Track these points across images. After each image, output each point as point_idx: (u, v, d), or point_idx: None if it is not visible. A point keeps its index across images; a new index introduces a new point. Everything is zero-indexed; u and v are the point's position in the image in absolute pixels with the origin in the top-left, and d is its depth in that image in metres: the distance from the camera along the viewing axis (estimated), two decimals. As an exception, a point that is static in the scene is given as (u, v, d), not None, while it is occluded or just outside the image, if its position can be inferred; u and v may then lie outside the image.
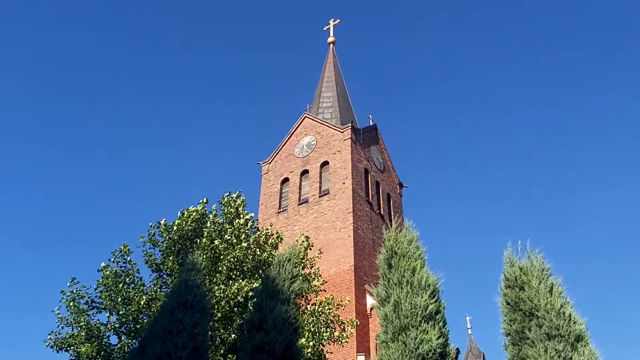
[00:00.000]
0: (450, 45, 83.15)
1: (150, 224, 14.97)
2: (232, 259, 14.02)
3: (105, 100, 74.65)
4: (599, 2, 78.83)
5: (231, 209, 15.39)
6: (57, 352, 13.52)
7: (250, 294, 13.33)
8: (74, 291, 13.90)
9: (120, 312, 13.57)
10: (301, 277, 10.29)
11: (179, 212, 15.08)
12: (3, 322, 62.27)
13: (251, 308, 11.10)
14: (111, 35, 77.29)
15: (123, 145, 76.55)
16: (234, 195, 15.88)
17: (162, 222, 14.95)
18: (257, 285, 13.30)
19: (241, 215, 15.39)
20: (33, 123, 72.75)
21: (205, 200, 15.57)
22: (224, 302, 13.33)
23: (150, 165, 78.74)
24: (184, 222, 14.70)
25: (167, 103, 78.88)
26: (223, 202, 15.70)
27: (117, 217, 73.29)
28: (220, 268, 13.97)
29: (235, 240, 14.40)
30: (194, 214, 14.92)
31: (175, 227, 14.66)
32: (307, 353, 13.37)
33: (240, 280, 13.72)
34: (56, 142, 73.33)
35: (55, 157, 74.08)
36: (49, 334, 13.60)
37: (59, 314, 13.77)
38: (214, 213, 15.36)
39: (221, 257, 14.09)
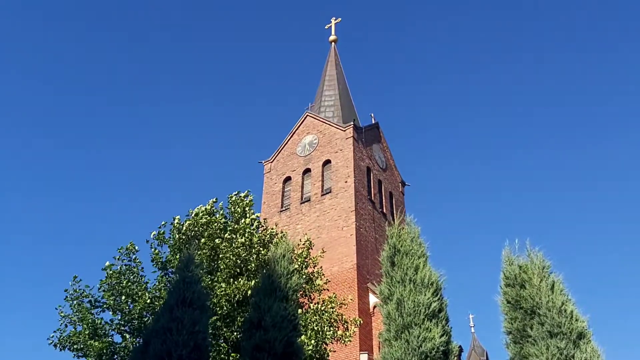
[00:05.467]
0: (452, 44, 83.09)
1: (163, 222, 15.04)
2: (231, 256, 14.03)
3: (106, 101, 74.75)
4: (600, 3, 78.71)
5: (238, 208, 15.42)
6: (61, 350, 13.58)
7: (249, 292, 13.36)
8: (77, 290, 13.95)
9: (125, 311, 13.60)
10: (298, 273, 10.28)
11: (193, 212, 15.10)
12: (7, 321, 62.44)
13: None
14: (112, 35, 77.41)
15: (124, 145, 76.66)
16: (242, 195, 15.90)
17: (176, 219, 15.00)
18: (256, 282, 13.35)
19: (247, 215, 15.42)
20: (42, 122, 72.93)
21: (214, 199, 15.61)
22: (224, 300, 13.36)
23: (152, 165, 78.87)
24: (195, 222, 14.73)
25: (167, 103, 78.98)
26: (231, 201, 15.73)
27: (120, 217, 73.43)
28: (221, 266, 14.01)
29: (236, 237, 14.41)
30: (203, 214, 14.94)
31: (184, 227, 14.68)
32: (308, 351, 13.39)
33: (240, 279, 13.75)
34: (62, 142, 73.48)
35: (60, 157, 74.24)
36: (53, 333, 13.68)
37: (62, 312, 13.83)
38: (221, 212, 15.39)
39: (220, 255, 14.12)
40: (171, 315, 7.82)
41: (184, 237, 14.61)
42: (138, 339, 13.39)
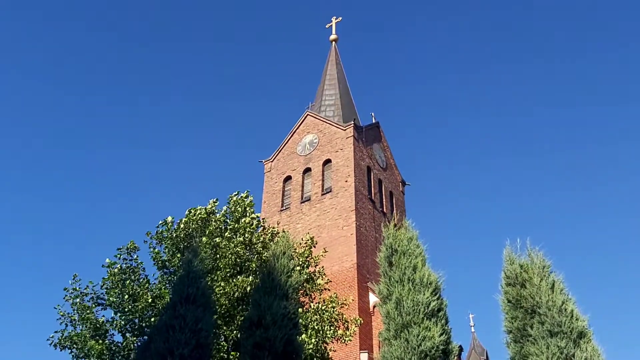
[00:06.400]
0: (452, 44, 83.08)
1: (161, 221, 15.03)
2: (231, 256, 14.03)
3: (106, 101, 74.76)
4: (600, 3, 78.67)
5: (239, 208, 15.44)
6: (61, 350, 13.52)
7: (249, 288, 13.37)
8: (77, 288, 13.90)
9: (126, 309, 13.56)
10: (298, 271, 10.25)
11: (187, 210, 15.14)
12: (7, 321, 62.46)
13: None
14: (113, 35, 77.40)
15: (124, 145, 76.67)
16: (243, 195, 15.92)
17: (169, 219, 15.00)
18: (254, 279, 13.36)
19: (247, 214, 15.44)
20: (42, 122, 72.97)
21: (215, 200, 15.61)
22: (223, 298, 13.35)
23: (153, 164, 78.88)
24: (190, 221, 14.73)
25: (168, 102, 78.98)
26: (231, 202, 15.74)
27: (120, 216, 73.46)
28: (221, 265, 14.01)
29: (235, 236, 14.41)
30: (201, 212, 14.96)
31: (182, 225, 14.69)
32: (309, 350, 13.39)
33: (239, 276, 13.75)
34: (62, 142, 73.48)
35: (60, 157, 74.26)
36: (53, 333, 13.61)
37: (61, 311, 13.77)
38: (222, 212, 15.40)
39: (219, 254, 14.12)
40: (174, 312, 7.79)
41: (182, 234, 14.62)
42: (139, 339, 13.36)
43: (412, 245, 8.88)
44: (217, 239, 14.25)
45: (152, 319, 13.22)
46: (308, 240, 16.14)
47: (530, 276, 8.35)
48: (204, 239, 14.17)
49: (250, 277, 13.61)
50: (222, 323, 13.32)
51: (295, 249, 13.69)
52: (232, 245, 14.19)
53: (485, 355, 29.85)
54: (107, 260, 14.18)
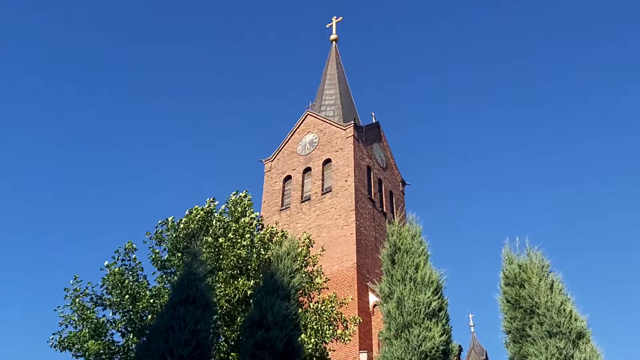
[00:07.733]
0: (452, 42, 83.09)
1: (160, 221, 15.02)
2: (234, 257, 14.06)
3: (105, 100, 74.71)
4: (598, 2, 78.67)
5: (238, 207, 15.46)
6: (61, 351, 13.55)
7: (249, 292, 13.39)
8: (77, 289, 13.91)
9: (126, 309, 13.57)
10: (301, 272, 10.27)
11: (187, 210, 15.13)
12: (6, 321, 62.43)
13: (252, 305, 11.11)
14: (113, 34, 77.36)
15: (123, 145, 76.63)
16: (242, 194, 15.93)
17: (170, 219, 15.00)
18: (255, 282, 13.37)
19: (246, 214, 15.45)
20: (42, 122, 72.93)
21: (212, 199, 15.64)
22: (223, 300, 13.38)
23: (153, 164, 78.84)
24: (190, 220, 14.74)
25: (168, 102, 78.94)
26: (230, 201, 15.75)
27: (120, 216, 73.42)
28: (222, 266, 14.02)
29: (239, 239, 14.44)
30: (201, 212, 14.97)
31: (182, 225, 14.69)
32: (308, 349, 13.42)
33: (240, 279, 13.77)
34: (61, 142, 73.46)
35: (60, 157, 74.21)
36: (52, 334, 13.63)
37: (62, 313, 13.79)
38: (220, 211, 15.42)
39: (222, 255, 14.14)
40: (174, 313, 7.79)
41: (181, 235, 14.62)
42: (140, 339, 13.37)
43: (415, 243, 8.86)
44: (221, 239, 14.26)
45: (150, 317, 13.22)
46: (305, 239, 16.17)
47: (529, 276, 8.35)
48: (209, 239, 14.15)
49: (252, 280, 13.63)
50: (222, 324, 13.34)
51: (297, 248, 13.71)
52: (236, 248, 14.20)
53: (484, 356, 29.84)
54: (106, 263, 14.19)
